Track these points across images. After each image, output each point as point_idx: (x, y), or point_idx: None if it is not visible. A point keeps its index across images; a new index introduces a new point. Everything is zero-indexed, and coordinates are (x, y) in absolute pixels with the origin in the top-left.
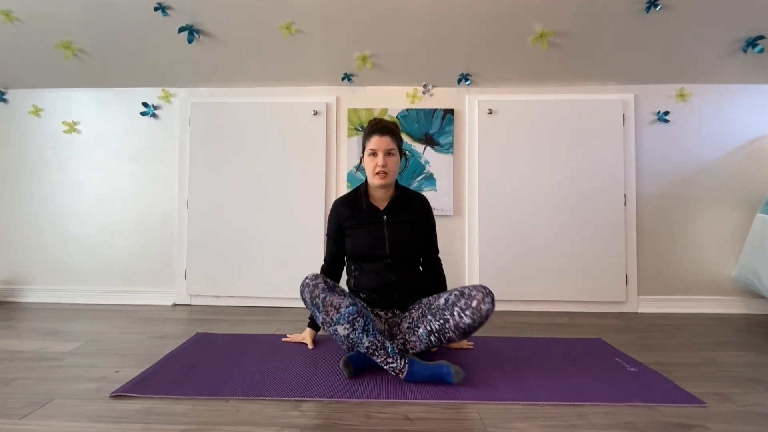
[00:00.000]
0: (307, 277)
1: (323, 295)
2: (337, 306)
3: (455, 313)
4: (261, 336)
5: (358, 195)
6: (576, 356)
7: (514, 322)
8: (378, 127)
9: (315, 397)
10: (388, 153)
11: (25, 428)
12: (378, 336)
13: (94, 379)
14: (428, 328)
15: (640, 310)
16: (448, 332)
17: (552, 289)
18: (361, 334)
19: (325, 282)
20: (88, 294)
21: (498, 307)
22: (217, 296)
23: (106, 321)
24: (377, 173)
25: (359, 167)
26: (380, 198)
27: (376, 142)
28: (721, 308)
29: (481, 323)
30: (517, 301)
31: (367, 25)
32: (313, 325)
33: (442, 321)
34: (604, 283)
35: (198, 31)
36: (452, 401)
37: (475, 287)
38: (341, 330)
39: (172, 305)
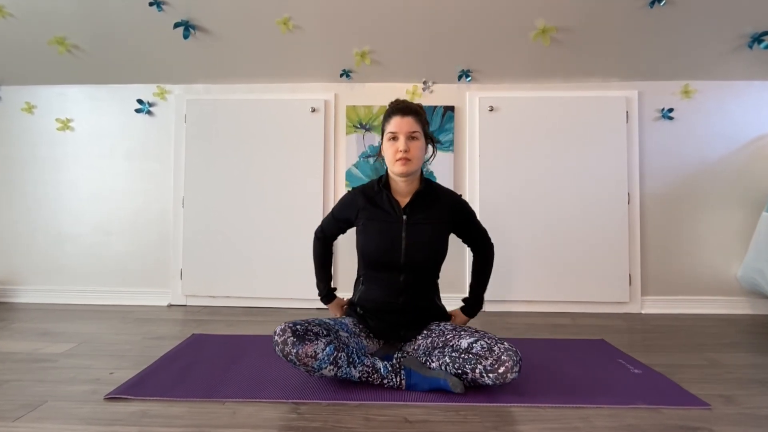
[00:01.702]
0: (275, 333)
1: (295, 350)
2: (313, 354)
3: (477, 371)
4: (258, 337)
5: (379, 187)
6: (578, 357)
7: (516, 323)
8: (399, 107)
9: (313, 400)
10: (411, 137)
11: (18, 431)
12: (366, 360)
13: (88, 380)
14: (443, 368)
15: (643, 311)
16: (464, 380)
17: (554, 290)
18: (348, 369)
19: (294, 332)
20: (82, 294)
21: (499, 308)
22: (214, 296)
23: (100, 322)
24: (398, 159)
25: (378, 156)
26: (402, 192)
27: (396, 123)
28: (726, 309)
29: (501, 385)
30: (518, 302)
31: (366, 21)
32: (327, 296)
33: (460, 371)
34: (607, 283)
35: (194, 27)
36: (452, 404)
37: (506, 350)
38: (327, 372)
39: (168, 306)
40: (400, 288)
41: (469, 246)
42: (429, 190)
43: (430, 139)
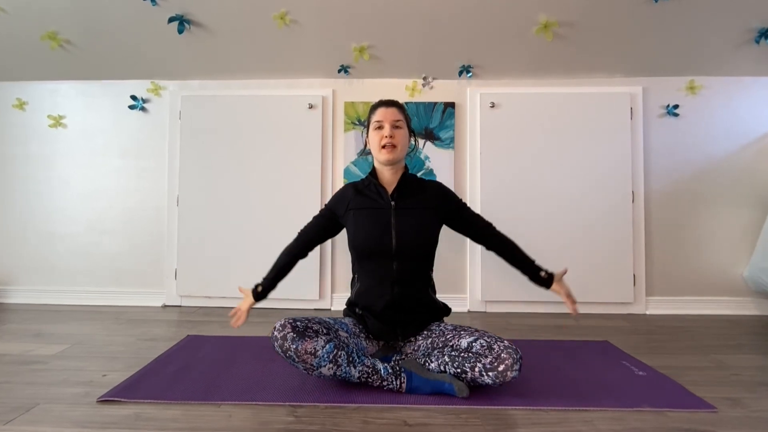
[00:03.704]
0: (274, 329)
1: (294, 346)
2: (313, 351)
3: (476, 370)
4: (254, 338)
5: (367, 179)
6: (581, 359)
7: (518, 324)
8: (383, 101)
9: (310, 402)
10: (395, 125)
11: None
12: (366, 360)
13: (80, 383)
14: (442, 368)
15: (648, 312)
16: (464, 379)
17: None
18: (348, 368)
19: (293, 328)
20: (74, 295)
21: (501, 309)
22: (209, 297)
23: (93, 323)
24: (384, 146)
25: (365, 150)
26: (389, 181)
27: (381, 113)
28: (732, 309)
29: (500, 385)
30: (520, 302)
31: (364, 15)
32: (259, 293)
33: (459, 370)
34: (611, 283)
35: (189, 22)
36: (453, 406)
37: (506, 347)
38: (326, 371)
39: (162, 306)
40: (393, 277)
41: (478, 240)
42: (414, 178)
43: (413, 132)
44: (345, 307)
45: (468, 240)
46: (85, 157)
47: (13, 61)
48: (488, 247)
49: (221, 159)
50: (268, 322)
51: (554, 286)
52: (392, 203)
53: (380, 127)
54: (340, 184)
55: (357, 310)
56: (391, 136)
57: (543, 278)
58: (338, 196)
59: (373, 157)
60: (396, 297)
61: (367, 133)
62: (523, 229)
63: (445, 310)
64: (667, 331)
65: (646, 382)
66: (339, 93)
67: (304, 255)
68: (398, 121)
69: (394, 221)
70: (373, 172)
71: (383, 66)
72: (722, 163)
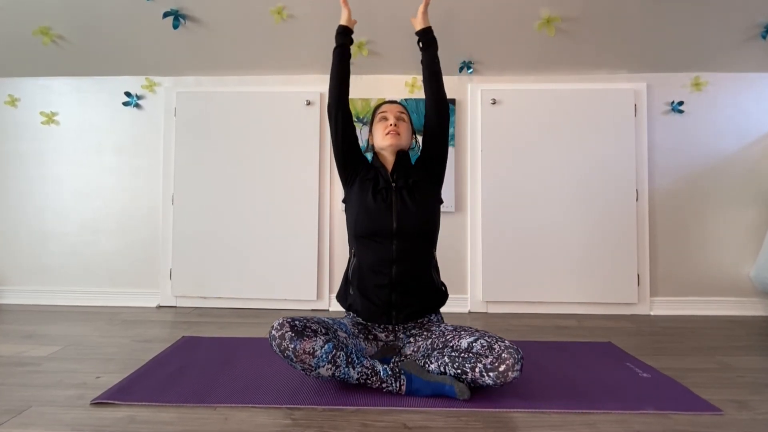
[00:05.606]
0: (272, 328)
1: (293, 345)
2: (311, 351)
3: (477, 370)
4: (251, 339)
5: (372, 161)
6: (585, 361)
7: (519, 325)
8: (387, 100)
9: (308, 405)
10: (399, 117)
11: None
12: (366, 362)
13: (74, 385)
14: (442, 369)
15: (652, 312)
16: (464, 380)
17: (559, 290)
18: (346, 369)
19: (292, 327)
20: (68, 295)
21: (502, 309)
22: (205, 297)
23: (86, 324)
24: (388, 133)
25: (367, 147)
26: (389, 166)
27: (386, 107)
28: (738, 310)
29: (501, 385)
30: (522, 303)
31: (363, 10)
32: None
33: (459, 371)
34: (614, 283)
35: (184, 17)
36: (454, 409)
37: (507, 347)
38: (325, 372)
39: (157, 307)
40: (392, 257)
41: (433, 105)
42: (409, 160)
43: (415, 134)
44: (340, 285)
45: (468, 238)
46: (79, 154)
47: (4, 57)
48: (432, 83)
49: (217, 156)
50: (265, 323)
51: (421, 19)
52: (393, 184)
53: (385, 118)
54: (337, 181)
55: (350, 290)
56: (395, 125)
57: (420, 35)
58: (363, 157)
59: (374, 150)
60: (395, 277)
61: (370, 131)
62: (524, 227)
63: (443, 294)
64: (672, 332)
65: (651, 384)
66: None
67: (348, 73)
68: (402, 113)
69: (395, 201)
70: (375, 158)
71: (383, 62)
72: (728, 160)
